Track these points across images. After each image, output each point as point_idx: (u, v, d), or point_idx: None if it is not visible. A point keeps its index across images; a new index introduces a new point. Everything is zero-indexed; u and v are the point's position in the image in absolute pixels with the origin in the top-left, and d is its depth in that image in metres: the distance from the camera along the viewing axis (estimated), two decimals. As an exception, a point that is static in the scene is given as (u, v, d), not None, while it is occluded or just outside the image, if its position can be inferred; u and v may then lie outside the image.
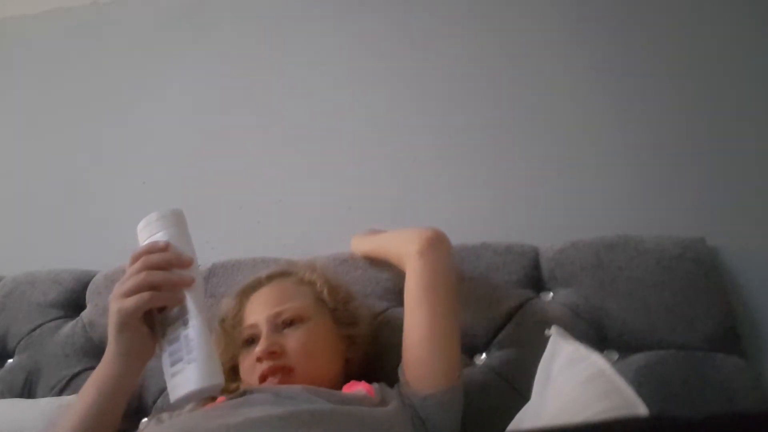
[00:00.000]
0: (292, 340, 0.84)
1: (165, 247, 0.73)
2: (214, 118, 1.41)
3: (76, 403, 0.73)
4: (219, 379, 0.69)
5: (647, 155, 1.14)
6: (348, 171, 1.29)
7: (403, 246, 0.94)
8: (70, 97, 1.53)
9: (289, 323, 0.86)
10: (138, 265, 0.71)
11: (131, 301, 0.69)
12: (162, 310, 0.72)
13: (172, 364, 0.69)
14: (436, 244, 0.90)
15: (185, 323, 0.70)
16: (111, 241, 1.32)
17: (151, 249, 0.73)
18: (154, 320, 0.72)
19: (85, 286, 1.18)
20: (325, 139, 1.33)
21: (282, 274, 0.97)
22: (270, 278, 0.95)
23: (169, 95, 1.46)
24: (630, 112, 1.18)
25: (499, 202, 1.18)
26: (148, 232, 0.75)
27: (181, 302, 0.71)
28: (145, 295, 0.69)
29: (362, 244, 1.07)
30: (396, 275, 1.03)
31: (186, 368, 0.68)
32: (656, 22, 1.23)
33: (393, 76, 1.34)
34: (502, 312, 0.97)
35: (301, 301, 0.89)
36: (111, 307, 0.71)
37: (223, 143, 1.38)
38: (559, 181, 1.17)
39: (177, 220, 0.77)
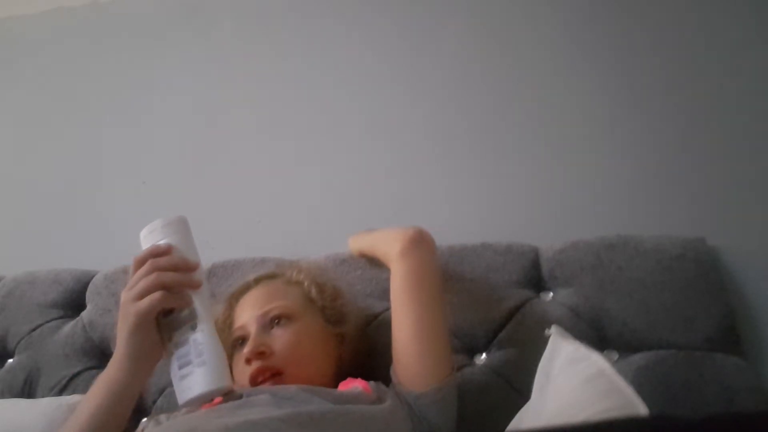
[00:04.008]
0: (281, 340, 0.84)
1: (169, 250, 0.73)
2: (214, 118, 1.41)
3: (84, 406, 0.73)
4: (228, 381, 0.71)
5: (647, 155, 1.14)
6: (348, 171, 1.29)
7: (386, 246, 0.95)
8: (70, 97, 1.53)
9: (278, 321, 0.86)
10: (146, 267, 0.71)
11: (145, 303, 0.70)
12: (167, 314, 0.72)
13: (181, 367, 0.70)
14: (418, 243, 0.91)
15: (194, 327, 0.71)
16: (111, 241, 1.33)
17: (155, 252, 0.73)
18: (159, 324, 0.73)
19: (85, 286, 1.18)
20: (325, 139, 1.32)
21: (270, 276, 0.97)
22: (258, 281, 0.96)
23: (170, 95, 1.46)
24: (630, 111, 1.18)
25: (499, 202, 1.18)
26: (153, 239, 0.75)
27: (190, 304, 0.71)
28: (158, 295, 0.70)
29: (356, 242, 1.08)
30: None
31: (195, 371, 0.69)
32: (656, 22, 1.22)
33: (393, 75, 1.34)
34: (502, 312, 0.97)
35: (289, 300, 0.90)
36: (123, 310, 0.71)
37: (223, 143, 1.38)
38: (559, 181, 1.17)
39: (181, 227, 0.77)
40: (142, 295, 0.70)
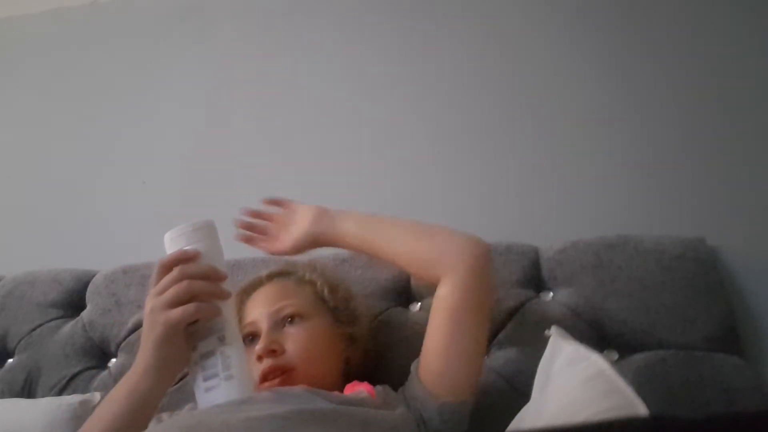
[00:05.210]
0: (293, 339, 0.84)
1: (197, 256, 0.71)
2: (214, 118, 1.41)
3: (104, 411, 0.71)
4: (252, 390, 0.71)
5: (647, 155, 1.14)
6: (347, 171, 1.29)
7: (443, 254, 0.85)
8: (70, 97, 1.53)
9: (290, 320, 0.86)
10: (176, 274, 0.69)
11: (177, 313, 0.67)
12: (192, 322, 0.70)
13: (206, 379, 0.68)
14: (488, 258, 0.86)
15: (221, 339, 0.69)
16: (111, 241, 1.33)
17: (183, 257, 0.70)
18: (184, 332, 0.70)
19: (85, 286, 1.18)
20: (324, 140, 1.33)
21: (282, 273, 0.96)
22: (270, 277, 0.95)
23: (169, 95, 1.46)
24: (630, 112, 1.18)
25: (499, 202, 1.18)
26: (180, 244, 0.72)
27: (219, 315, 0.70)
28: (192, 306, 0.67)
29: (349, 225, 0.92)
30: (396, 275, 1.03)
31: (222, 384, 0.68)
32: (655, 22, 1.23)
33: (393, 76, 1.34)
34: (502, 312, 0.97)
35: (301, 299, 0.89)
36: (151, 317, 0.69)
37: (223, 143, 1.38)
38: (559, 181, 1.17)
39: (209, 232, 0.74)
40: (172, 304, 0.67)
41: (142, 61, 1.51)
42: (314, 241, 0.93)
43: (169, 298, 0.68)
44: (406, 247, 0.89)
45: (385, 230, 0.91)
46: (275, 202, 0.99)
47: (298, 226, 0.94)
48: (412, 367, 0.85)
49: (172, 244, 0.72)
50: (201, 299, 0.69)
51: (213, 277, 0.71)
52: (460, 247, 0.86)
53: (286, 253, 0.94)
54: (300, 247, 0.94)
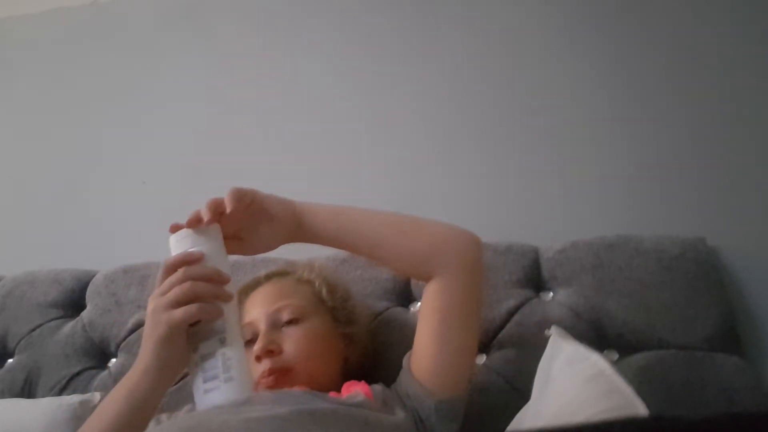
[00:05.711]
0: (291, 339, 0.84)
1: (201, 257, 0.71)
2: (213, 118, 1.41)
3: (104, 411, 0.72)
4: (251, 391, 0.71)
5: (647, 155, 1.14)
6: (347, 171, 1.29)
7: (433, 252, 0.83)
8: (70, 97, 1.53)
9: (288, 321, 0.86)
10: (180, 275, 0.69)
11: (180, 313, 0.67)
12: (194, 324, 0.70)
13: (206, 381, 0.69)
14: (480, 251, 0.86)
15: (222, 341, 0.69)
16: (111, 241, 1.33)
17: (188, 259, 0.71)
18: (186, 333, 0.71)
19: (85, 286, 1.18)
20: (324, 139, 1.33)
21: (281, 273, 0.96)
22: (269, 277, 0.95)
23: (169, 95, 1.46)
24: (630, 111, 1.18)
25: (500, 202, 1.18)
26: (185, 246, 0.73)
27: (221, 316, 0.70)
28: (194, 307, 0.68)
29: (320, 222, 0.86)
30: (397, 274, 1.03)
31: (222, 386, 0.68)
32: (656, 21, 1.23)
33: (393, 75, 1.34)
34: (502, 312, 0.97)
35: (299, 299, 0.89)
36: (153, 317, 0.69)
37: (224, 143, 1.38)
38: (559, 181, 1.17)
39: (214, 235, 0.75)
40: (175, 304, 0.68)
41: (141, 60, 1.51)
42: (286, 242, 0.84)
43: (172, 298, 0.68)
44: (388, 245, 0.84)
45: (362, 226, 0.85)
46: (238, 195, 0.77)
47: (271, 230, 0.82)
48: (405, 362, 0.84)
49: (177, 245, 0.73)
50: (204, 300, 0.69)
51: (216, 279, 0.71)
52: (451, 244, 0.84)
53: (248, 254, 0.83)
54: (266, 251, 0.84)
